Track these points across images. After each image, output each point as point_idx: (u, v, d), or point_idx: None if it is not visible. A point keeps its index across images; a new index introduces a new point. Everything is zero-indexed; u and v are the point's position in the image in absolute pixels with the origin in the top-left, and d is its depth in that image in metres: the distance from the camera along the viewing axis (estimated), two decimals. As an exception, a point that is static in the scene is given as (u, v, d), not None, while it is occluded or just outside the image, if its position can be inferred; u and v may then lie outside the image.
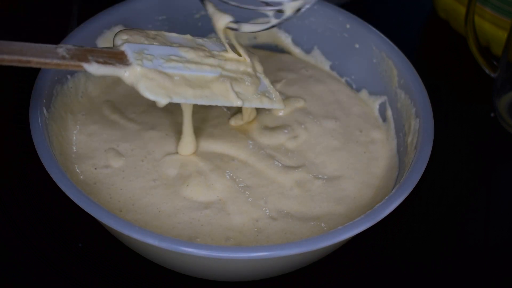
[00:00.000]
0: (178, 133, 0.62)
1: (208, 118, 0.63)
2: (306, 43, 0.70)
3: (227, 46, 0.58)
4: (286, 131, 0.63)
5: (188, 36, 0.59)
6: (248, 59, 0.59)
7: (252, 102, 0.58)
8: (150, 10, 0.68)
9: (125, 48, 0.53)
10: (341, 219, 0.57)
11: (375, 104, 0.66)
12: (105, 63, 0.51)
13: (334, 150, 0.62)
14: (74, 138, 0.61)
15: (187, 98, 0.54)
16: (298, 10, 0.54)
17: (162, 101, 0.53)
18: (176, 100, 0.53)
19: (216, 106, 0.64)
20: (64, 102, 0.61)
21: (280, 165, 0.60)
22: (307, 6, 0.54)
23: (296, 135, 0.63)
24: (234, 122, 0.63)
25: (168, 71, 0.54)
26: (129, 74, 0.52)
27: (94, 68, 0.51)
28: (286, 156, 0.61)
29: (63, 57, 0.50)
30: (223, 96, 0.56)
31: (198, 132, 0.62)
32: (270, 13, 0.55)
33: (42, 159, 0.53)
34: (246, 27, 0.56)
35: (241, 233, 0.56)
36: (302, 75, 0.68)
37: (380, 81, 0.66)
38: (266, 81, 0.60)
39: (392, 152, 0.63)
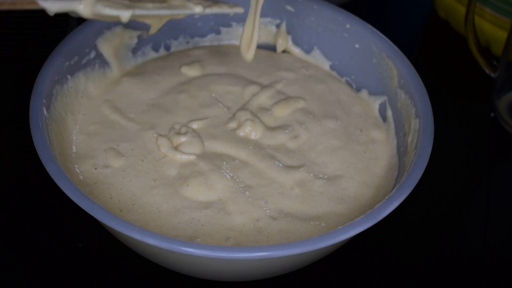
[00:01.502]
0: (178, 133, 0.62)
1: (208, 118, 0.63)
2: (306, 43, 0.70)
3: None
4: (287, 131, 0.63)
5: None
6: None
7: (212, 8, 0.57)
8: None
9: None
10: (341, 219, 0.57)
11: (375, 104, 0.66)
12: None
13: (335, 149, 0.62)
14: (74, 138, 0.61)
15: (148, 9, 0.53)
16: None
17: (125, 13, 0.51)
18: (138, 12, 0.52)
19: (217, 107, 0.64)
20: (64, 102, 0.61)
21: (281, 165, 0.60)
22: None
23: (297, 135, 0.63)
24: (231, 126, 0.63)
25: None
26: (84, 6, 0.50)
27: (48, 4, 0.49)
28: (287, 156, 0.61)
29: None
30: (182, 5, 0.55)
31: (198, 132, 0.62)
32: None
33: (42, 159, 0.53)
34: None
35: (241, 233, 0.56)
36: (302, 75, 0.68)
37: (380, 81, 0.66)
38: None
39: (392, 152, 0.63)
